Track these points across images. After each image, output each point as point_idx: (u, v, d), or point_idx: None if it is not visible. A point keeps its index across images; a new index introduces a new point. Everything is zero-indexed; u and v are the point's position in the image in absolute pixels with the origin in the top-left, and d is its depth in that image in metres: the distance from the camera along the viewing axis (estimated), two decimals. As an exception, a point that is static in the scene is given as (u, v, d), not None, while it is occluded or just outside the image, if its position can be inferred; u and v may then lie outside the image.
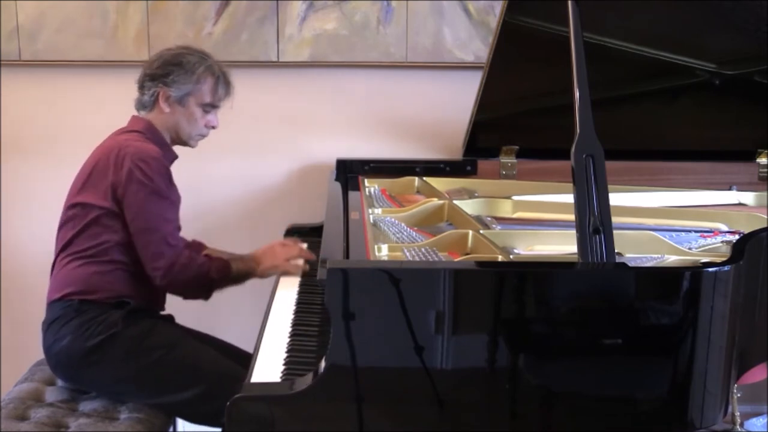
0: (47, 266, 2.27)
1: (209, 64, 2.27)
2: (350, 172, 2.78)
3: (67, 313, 2.13)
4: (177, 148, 2.34)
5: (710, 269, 1.57)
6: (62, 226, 2.23)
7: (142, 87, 2.27)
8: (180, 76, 2.22)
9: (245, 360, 1.90)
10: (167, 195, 2.18)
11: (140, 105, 2.29)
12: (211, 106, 2.28)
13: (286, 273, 2.29)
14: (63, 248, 2.21)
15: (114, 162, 2.16)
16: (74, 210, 2.19)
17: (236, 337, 2.41)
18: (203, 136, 2.33)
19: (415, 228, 2.13)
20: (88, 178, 2.20)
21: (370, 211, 2.25)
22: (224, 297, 2.30)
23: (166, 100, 2.24)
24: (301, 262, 2.29)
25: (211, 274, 2.20)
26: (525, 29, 2.31)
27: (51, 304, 2.19)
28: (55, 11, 2.83)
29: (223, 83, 2.29)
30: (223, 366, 2.14)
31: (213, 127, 2.32)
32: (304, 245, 2.37)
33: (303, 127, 2.96)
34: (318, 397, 1.50)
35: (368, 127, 2.96)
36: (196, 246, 2.49)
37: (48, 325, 2.16)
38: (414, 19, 2.85)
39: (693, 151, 2.66)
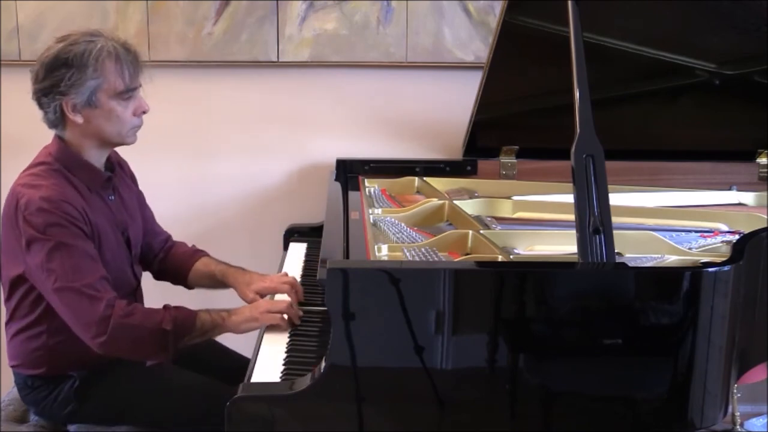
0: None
1: (100, 47, 1.84)
2: (350, 172, 2.77)
3: (24, 386, 1.99)
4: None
5: (710, 269, 1.57)
6: (5, 298, 1.97)
7: (40, 106, 1.89)
8: (73, 77, 1.82)
9: (243, 362, 1.88)
10: (71, 242, 1.80)
11: (50, 124, 1.91)
12: (128, 92, 1.88)
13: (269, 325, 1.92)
14: (8, 318, 1.98)
15: (13, 222, 1.84)
16: (6, 284, 1.95)
17: (236, 337, 2.40)
18: (137, 126, 1.94)
19: (415, 228, 2.12)
20: (7, 245, 1.91)
21: (370, 211, 2.25)
22: (224, 297, 2.29)
23: (74, 110, 1.85)
24: (286, 316, 1.92)
25: (164, 325, 1.82)
26: (525, 29, 2.31)
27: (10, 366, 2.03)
28: (55, 11, 2.83)
29: (126, 61, 1.87)
30: (207, 389, 1.97)
31: (144, 112, 1.93)
32: (295, 301, 1.99)
33: (303, 127, 2.95)
34: (318, 397, 1.50)
35: (368, 127, 2.95)
36: (198, 253, 2.26)
37: (15, 384, 2.04)
38: (414, 19, 2.85)
39: (693, 151, 2.66)
